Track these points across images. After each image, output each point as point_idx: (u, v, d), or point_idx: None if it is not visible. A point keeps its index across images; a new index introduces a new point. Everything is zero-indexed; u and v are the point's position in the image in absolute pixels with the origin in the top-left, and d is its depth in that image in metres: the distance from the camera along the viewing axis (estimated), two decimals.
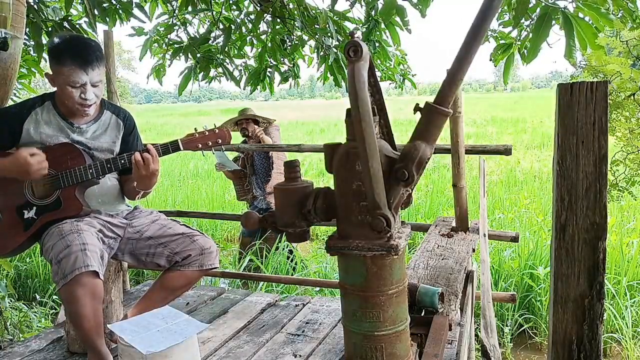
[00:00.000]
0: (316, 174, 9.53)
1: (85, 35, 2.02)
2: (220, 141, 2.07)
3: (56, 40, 1.97)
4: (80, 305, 1.77)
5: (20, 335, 3.34)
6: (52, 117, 1.99)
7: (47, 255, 1.88)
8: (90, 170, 1.96)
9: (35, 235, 1.99)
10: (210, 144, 2.06)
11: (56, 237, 1.86)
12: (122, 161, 1.98)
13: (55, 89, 2.01)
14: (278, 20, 3.70)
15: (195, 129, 2.09)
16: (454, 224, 2.62)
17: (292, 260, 4.40)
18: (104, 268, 1.88)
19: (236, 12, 3.98)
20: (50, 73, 1.95)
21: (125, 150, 2.13)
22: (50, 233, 1.91)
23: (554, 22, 2.22)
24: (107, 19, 3.32)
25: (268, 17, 3.75)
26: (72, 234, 1.85)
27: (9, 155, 1.91)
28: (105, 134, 2.09)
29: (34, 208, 1.96)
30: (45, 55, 3.40)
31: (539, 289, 3.88)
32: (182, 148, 2.03)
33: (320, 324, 2.48)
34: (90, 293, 1.78)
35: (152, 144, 2.03)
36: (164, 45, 3.97)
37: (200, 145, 2.05)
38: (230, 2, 3.90)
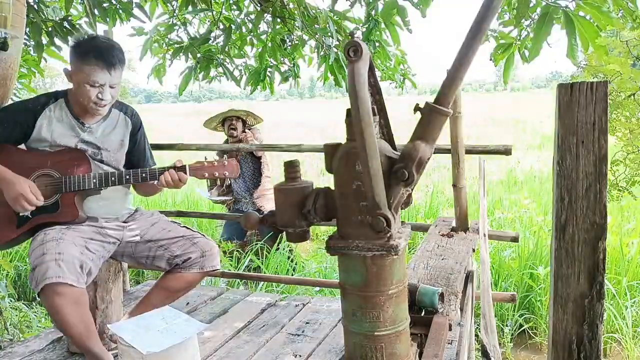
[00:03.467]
0: (316, 174, 9.53)
1: (110, 39, 2.06)
2: (227, 173, 2.10)
3: (81, 38, 1.99)
4: (62, 313, 1.76)
5: (20, 335, 3.34)
6: (64, 116, 2.01)
7: (29, 259, 1.89)
8: (94, 181, 1.98)
9: (25, 233, 1.99)
10: (217, 174, 2.09)
11: (38, 243, 1.87)
12: (127, 177, 2.01)
13: (70, 86, 2.03)
14: (278, 20, 3.70)
15: (205, 157, 2.14)
16: (454, 224, 2.62)
17: (292, 260, 4.39)
18: (85, 277, 1.86)
19: (236, 12, 3.97)
20: (69, 69, 1.97)
21: (134, 149, 2.19)
22: (36, 237, 1.92)
23: (554, 21, 2.22)
24: (107, 19, 3.32)
25: (268, 17, 3.75)
26: (52, 241, 1.84)
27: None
28: (114, 132, 2.11)
29: None
30: (45, 55, 3.40)
31: (539, 289, 3.88)
32: (188, 174, 2.06)
33: (320, 324, 2.48)
34: (71, 301, 1.77)
35: (160, 168, 2.06)
36: (164, 45, 3.97)
37: (206, 174, 2.09)
38: (231, 2, 3.90)
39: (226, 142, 4.29)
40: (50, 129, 1.97)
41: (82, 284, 1.82)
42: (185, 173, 2.04)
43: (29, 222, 1.97)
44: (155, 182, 2.05)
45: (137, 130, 2.19)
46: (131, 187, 2.27)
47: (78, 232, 1.95)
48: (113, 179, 2.00)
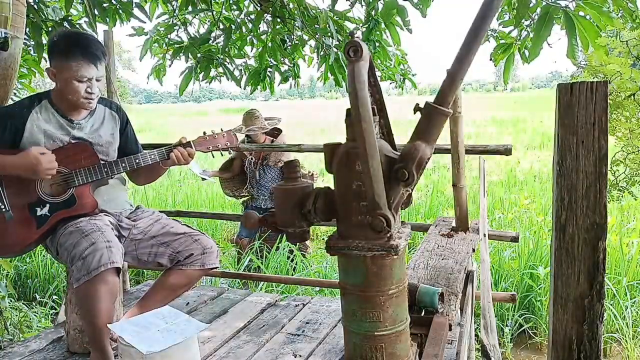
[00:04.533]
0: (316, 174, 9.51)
1: (87, 32, 2.06)
2: (228, 144, 2.20)
3: (59, 36, 1.99)
4: (100, 301, 1.80)
5: (20, 335, 3.34)
6: (51, 116, 2.01)
7: (67, 253, 1.87)
8: (105, 169, 2.01)
9: (47, 232, 2.00)
10: (220, 146, 2.19)
11: (78, 235, 1.87)
12: (137, 161, 2.05)
13: (52, 87, 2.03)
14: (278, 20, 3.70)
15: (204, 132, 2.20)
16: (454, 224, 2.62)
17: (292, 260, 4.40)
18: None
19: (236, 12, 3.97)
20: (52, 68, 1.96)
21: (127, 143, 2.21)
22: (68, 231, 1.92)
23: (554, 21, 2.22)
24: (107, 19, 3.32)
25: (268, 17, 3.75)
26: (94, 232, 1.87)
27: (19, 152, 1.92)
28: (103, 127, 2.12)
29: (47, 205, 1.97)
30: (45, 55, 3.40)
31: (539, 289, 3.88)
32: (194, 148, 2.14)
33: (320, 324, 2.48)
34: (111, 290, 1.82)
35: (166, 147, 2.10)
36: (164, 45, 3.97)
37: (210, 147, 2.18)
38: (231, 2, 3.90)
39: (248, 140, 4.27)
40: (40, 130, 1.97)
41: (120, 273, 1.87)
42: (192, 148, 2.11)
43: (48, 220, 1.97)
44: (160, 162, 2.09)
45: (125, 124, 2.21)
46: (127, 185, 2.28)
47: (104, 222, 1.97)
48: (123, 164, 2.03)
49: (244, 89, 4.19)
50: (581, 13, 2.21)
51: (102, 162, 2.03)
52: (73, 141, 2.02)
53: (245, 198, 4.60)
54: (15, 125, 1.96)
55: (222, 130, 2.20)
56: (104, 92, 2.67)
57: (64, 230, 1.94)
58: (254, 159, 4.33)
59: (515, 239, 2.75)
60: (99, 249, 1.80)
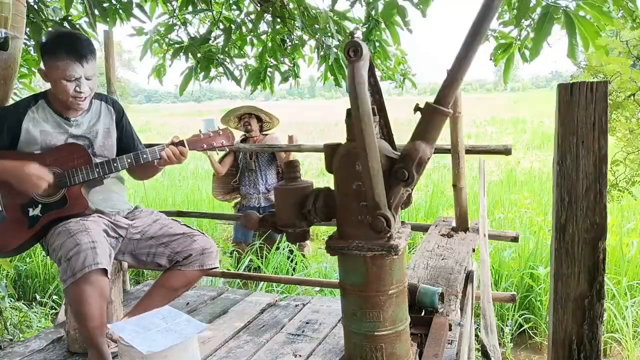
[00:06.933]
0: (316, 174, 9.53)
1: (76, 31, 2.03)
2: (224, 142, 2.14)
3: (48, 36, 2.00)
4: (87, 303, 1.78)
5: (20, 335, 3.34)
6: (48, 115, 2.02)
7: (55, 254, 1.88)
8: (97, 170, 1.99)
9: (39, 233, 1.99)
10: (215, 144, 2.13)
11: (64, 236, 1.87)
12: (129, 160, 2.03)
13: (48, 86, 2.03)
14: (278, 20, 3.70)
15: (200, 130, 2.16)
16: (454, 224, 2.62)
17: (292, 260, 4.40)
18: (111, 267, 1.89)
19: (236, 12, 3.97)
20: (43, 69, 1.96)
21: (123, 136, 2.19)
22: (57, 232, 1.92)
23: (554, 21, 2.22)
24: (107, 19, 3.32)
25: (268, 17, 3.75)
26: (80, 232, 1.86)
27: (20, 159, 1.92)
28: (100, 122, 2.12)
29: (39, 206, 1.97)
30: None
31: (539, 289, 3.88)
32: (187, 147, 2.09)
33: (320, 324, 2.48)
34: (98, 292, 1.80)
35: (158, 147, 2.07)
36: (164, 45, 3.97)
37: (205, 146, 2.13)
38: (231, 2, 3.90)
39: (244, 139, 4.27)
40: (37, 130, 1.97)
41: (110, 273, 1.85)
42: (184, 147, 2.07)
43: (40, 220, 1.97)
44: (156, 161, 2.06)
45: (121, 117, 2.20)
46: (125, 184, 2.27)
47: (95, 223, 1.96)
48: (115, 164, 2.01)
49: (244, 89, 4.19)
50: (581, 13, 2.21)
51: (97, 161, 2.02)
52: (68, 141, 2.02)
53: (236, 200, 4.58)
54: (12, 127, 1.96)
55: (218, 128, 2.16)
56: (103, 92, 2.66)
57: (54, 230, 1.94)
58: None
59: (515, 239, 2.75)
60: (82, 250, 1.79)
